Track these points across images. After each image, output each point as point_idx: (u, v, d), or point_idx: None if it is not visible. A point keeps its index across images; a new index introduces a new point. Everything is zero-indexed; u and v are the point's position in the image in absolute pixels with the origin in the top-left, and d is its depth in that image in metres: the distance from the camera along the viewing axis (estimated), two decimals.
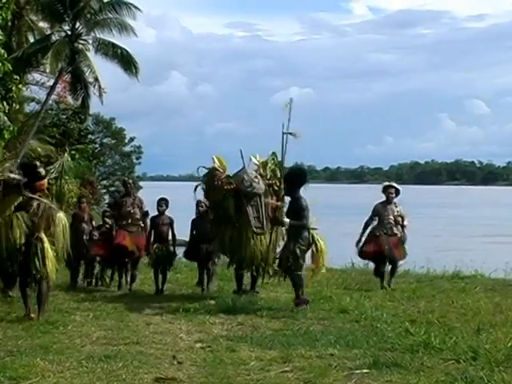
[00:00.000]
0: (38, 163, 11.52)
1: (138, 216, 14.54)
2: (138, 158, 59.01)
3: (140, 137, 50.29)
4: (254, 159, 13.43)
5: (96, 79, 36.08)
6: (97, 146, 52.47)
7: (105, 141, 56.54)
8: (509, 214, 58.56)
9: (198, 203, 13.91)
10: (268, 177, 13.20)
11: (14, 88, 23.78)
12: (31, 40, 34.92)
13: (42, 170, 11.14)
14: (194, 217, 14.18)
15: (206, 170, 13.41)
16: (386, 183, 15.44)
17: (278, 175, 12.98)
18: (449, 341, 9.44)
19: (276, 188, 13.05)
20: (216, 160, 13.32)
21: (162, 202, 14.34)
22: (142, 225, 14.59)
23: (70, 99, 39.75)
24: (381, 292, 14.06)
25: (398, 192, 15.04)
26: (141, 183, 54.34)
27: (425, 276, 17.08)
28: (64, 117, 42.67)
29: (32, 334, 10.05)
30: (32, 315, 10.93)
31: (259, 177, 13.05)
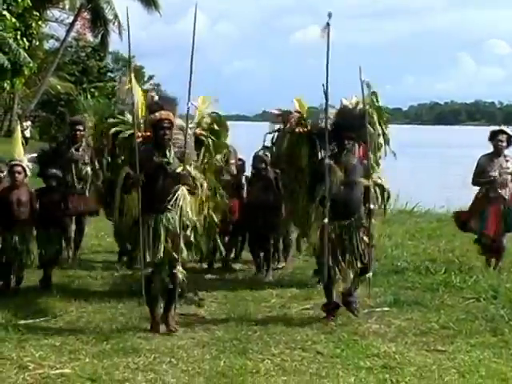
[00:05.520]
0: None
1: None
2: None
3: (158, 75, 49.98)
4: (344, 100, 9.38)
5: (115, 16, 35.89)
6: (116, 83, 52.37)
7: (124, 79, 56.33)
8: None
9: None
10: None
11: (33, 24, 23.67)
12: None
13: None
14: None
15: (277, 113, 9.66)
16: (495, 128, 10.74)
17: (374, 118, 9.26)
18: (469, 280, 9.46)
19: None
20: (296, 102, 9.49)
21: None
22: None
23: (89, 36, 39.62)
24: (400, 231, 14.00)
25: (510, 140, 10.53)
26: None
27: (445, 215, 16.96)
28: (83, 54, 42.51)
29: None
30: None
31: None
